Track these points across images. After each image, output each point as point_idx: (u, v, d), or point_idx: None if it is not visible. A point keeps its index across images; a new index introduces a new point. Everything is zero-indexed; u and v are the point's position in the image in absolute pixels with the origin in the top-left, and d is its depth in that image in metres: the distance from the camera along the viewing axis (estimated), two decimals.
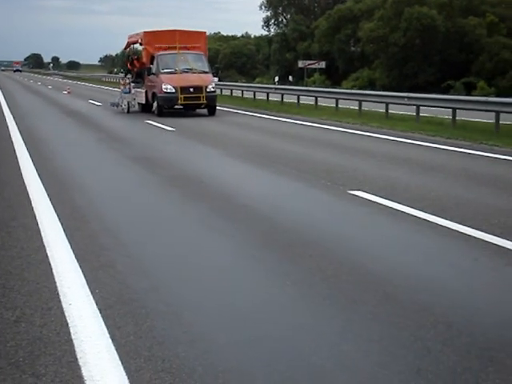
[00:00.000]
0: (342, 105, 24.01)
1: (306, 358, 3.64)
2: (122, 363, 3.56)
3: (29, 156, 11.87)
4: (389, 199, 7.81)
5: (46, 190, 8.55)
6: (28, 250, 5.77)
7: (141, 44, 24.73)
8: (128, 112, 23.44)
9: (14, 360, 3.64)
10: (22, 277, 5.05)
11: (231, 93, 34.38)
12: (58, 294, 4.64)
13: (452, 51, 50.65)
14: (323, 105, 25.25)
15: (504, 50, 50.67)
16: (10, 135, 15.54)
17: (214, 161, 11.77)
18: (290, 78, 47.51)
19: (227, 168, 11.05)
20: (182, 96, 21.48)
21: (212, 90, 22.10)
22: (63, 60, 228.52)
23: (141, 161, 11.60)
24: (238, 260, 5.64)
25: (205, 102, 21.82)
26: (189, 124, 19.24)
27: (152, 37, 23.90)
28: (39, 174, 9.77)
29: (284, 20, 77.21)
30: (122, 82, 25.00)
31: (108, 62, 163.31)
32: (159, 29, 24.88)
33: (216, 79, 24.23)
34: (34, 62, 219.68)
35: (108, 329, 4.01)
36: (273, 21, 77.47)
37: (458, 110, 17.74)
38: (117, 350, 3.72)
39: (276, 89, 30.34)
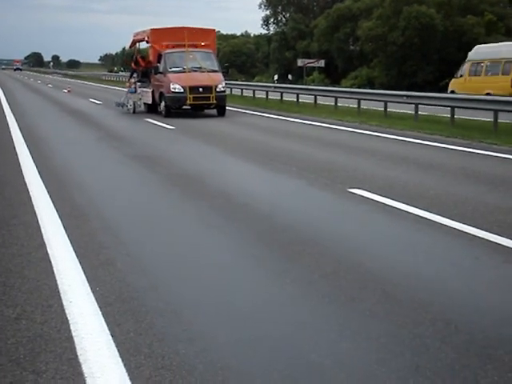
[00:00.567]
0: (341, 103, 24.01)
1: (304, 356, 3.66)
2: (123, 360, 3.58)
3: (29, 154, 11.88)
4: (388, 197, 7.83)
5: (46, 188, 8.56)
6: (28, 248, 5.78)
7: (147, 42, 23.97)
8: (134, 112, 22.72)
9: (15, 357, 3.66)
10: (22, 274, 5.06)
11: (231, 91, 34.31)
12: (58, 291, 4.65)
13: (450, 50, 50.51)
14: (322, 103, 25.24)
15: None
16: (10, 133, 15.54)
17: (214, 159, 11.77)
18: (290, 76, 47.39)
19: (227, 166, 11.05)
20: (191, 96, 20.54)
21: (222, 89, 21.10)
22: (63, 59, 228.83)
23: (141, 159, 11.62)
24: (237, 258, 5.65)
25: (215, 102, 20.85)
26: (189, 122, 19.21)
27: (159, 34, 22.94)
28: (39, 172, 9.79)
29: (283, 19, 77.16)
30: (127, 84, 24.34)
31: (108, 61, 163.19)
32: (166, 26, 24.06)
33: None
34: (35, 60, 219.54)
35: (108, 326, 4.02)
36: (272, 20, 77.46)
37: (456, 109, 17.77)
38: (117, 347, 3.74)
39: (275, 87, 30.32)
